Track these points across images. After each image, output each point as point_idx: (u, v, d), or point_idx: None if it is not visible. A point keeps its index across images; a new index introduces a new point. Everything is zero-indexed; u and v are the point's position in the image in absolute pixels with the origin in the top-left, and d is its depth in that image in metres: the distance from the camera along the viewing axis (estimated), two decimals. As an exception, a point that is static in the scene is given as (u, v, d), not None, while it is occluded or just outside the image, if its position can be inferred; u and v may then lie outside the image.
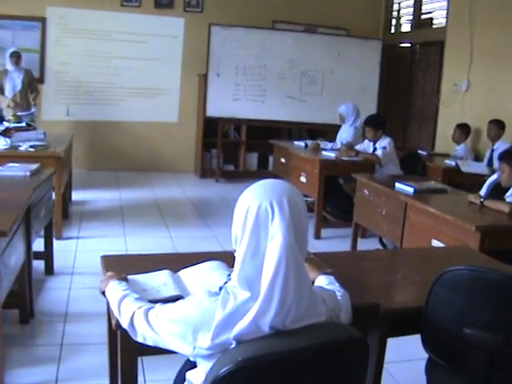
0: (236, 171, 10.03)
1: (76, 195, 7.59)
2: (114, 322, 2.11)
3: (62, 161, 5.89)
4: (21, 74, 8.21)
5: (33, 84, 8.43)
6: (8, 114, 7.87)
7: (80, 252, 5.71)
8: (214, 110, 9.44)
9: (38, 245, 4.71)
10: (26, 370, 3.55)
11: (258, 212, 1.73)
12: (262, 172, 9.69)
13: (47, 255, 5.06)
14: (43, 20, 9.52)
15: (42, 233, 4.92)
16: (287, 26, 10.01)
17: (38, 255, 4.69)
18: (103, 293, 2.27)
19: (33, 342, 3.96)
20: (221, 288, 1.79)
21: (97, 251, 5.69)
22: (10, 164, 4.96)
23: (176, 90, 10.04)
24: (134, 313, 1.96)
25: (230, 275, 1.85)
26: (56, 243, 5.23)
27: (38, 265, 4.84)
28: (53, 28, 9.60)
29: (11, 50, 8.21)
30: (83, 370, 3.59)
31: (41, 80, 9.48)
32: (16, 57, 8.13)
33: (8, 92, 8.17)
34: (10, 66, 8.14)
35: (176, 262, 2.64)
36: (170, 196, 8.40)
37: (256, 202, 1.75)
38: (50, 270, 5.06)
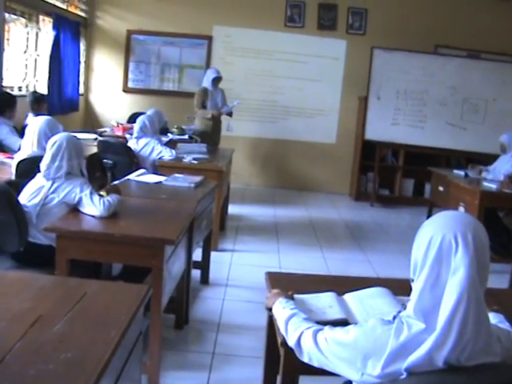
0: (391, 196, 9.86)
1: (232, 209, 7.72)
2: (279, 340, 2.13)
3: (223, 175, 6.06)
4: (219, 94, 8.49)
5: (224, 103, 8.61)
6: (171, 126, 8.19)
7: (234, 265, 5.83)
8: (372, 133, 9.38)
9: (195, 255, 4.84)
10: (178, 374, 3.67)
11: (442, 244, 1.70)
12: (417, 199, 9.56)
13: (204, 265, 5.22)
14: (210, 38, 9.91)
15: (201, 243, 5.06)
16: (450, 50, 9.76)
17: (195, 265, 4.84)
18: (269, 309, 2.29)
19: (186, 348, 4.10)
20: (394, 317, 1.77)
21: (251, 265, 5.87)
22: (176, 174, 5.13)
23: (335, 111, 10.05)
24: (302, 333, 1.97)
25: (404, 304, 1.83)
26: (212, 254, 5.36)
27: (195, 274, 4.96)
28: (218, 46, 9.95)
29: (214, 75, 8.39)
30: (234, 380, 3.66)
31: (205, 95, 9.85)
32: (218, 81, 8.41)
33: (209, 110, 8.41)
34: (209, 86, 8.37)
35: (339, 284, 2.63)
36: (325, 217, 8.38)
37: (439, 233, 1.71)
38: (205, 279, 5.22)
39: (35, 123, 4.59)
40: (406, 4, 9.76)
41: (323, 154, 10.06)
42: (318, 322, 2.06)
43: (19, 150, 5.35)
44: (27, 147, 4.59)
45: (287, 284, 2.56)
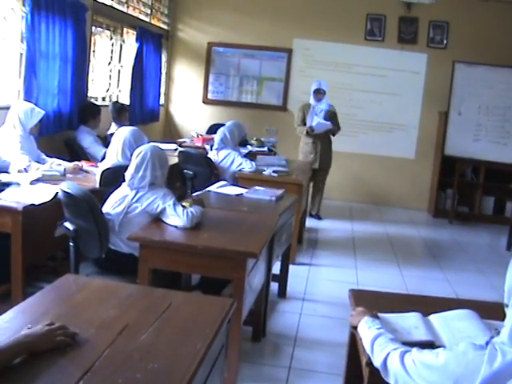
0: (470, 214, 9.61)
1: (310, 222, 7.68)
2: (364, 360, 2.11)
3: (303, 188, 6.05)
4: (324, 109, 8.14)
5: (334, 123, 8.18)
6: (250, 138, 8.22)
7: (311, 279, 5.80)
8: (452, 149, 9.20)
9: (273, 268, 4.83)
10: (254, 387, 3.67)
11: None
12: (497, 218, 9.32)
13: (282, 279, 5.22)
14: (289, 51, 9.95)
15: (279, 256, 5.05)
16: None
17: (273, 278, 4.81)
18: (354, 327, 2.28)
19: (262, 361, 4.10)
20: (487, 342, 1.73)
21: (328, 280, 5.86)
22: (257, 187, 5.17)
23: (414, 126, 9.91)
24: (388, 353, 1.95)
25: (496, 329, 1.78)
26: (289, 268, 5.33)
27: (272, 287, 4.93)
28: (298, 59, 9.99)
29: (314, 87, 8.13)
30: (311, 396, 3.65)
31: (284, 108, 9.89)
32: (319, 93, 8.07)
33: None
34: (312, 101, 8.15)
35: (424, 304, 2.59)
36: (402, 233, 8.27)
37: None
38: (283, 293, 5.22)
39: (121, 133, 4.69)
40: (489, 17, 9.55)
41: (402, 169, 9.93)
42: (403, 343, 2.03)
43: (102, 158, 5.50)
44: (112, 156, 4.69)
45: (371, 302, 2.55)
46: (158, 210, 3.73)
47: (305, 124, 8.14)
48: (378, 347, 2.01)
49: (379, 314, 2.31)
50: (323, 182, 8.40)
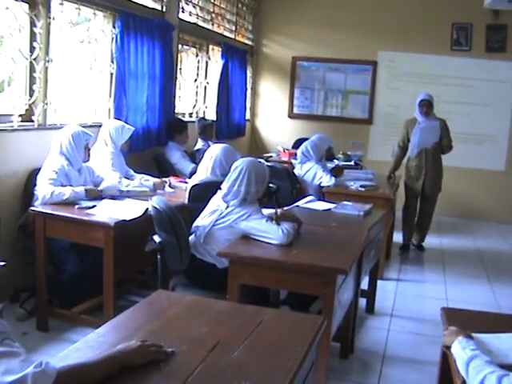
0: None
1: (397, 236, 7.51)
2: (459, 382, 2.06)
3: (391, 202, 5.98)
4: (434, 125, 7.08)
5: (444, 136, 7.13)
6: (336, 152, 8.15)
7: (399, 294, 5.71)
8: (544, 160, 8.94)
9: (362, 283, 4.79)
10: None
11: None
12: None
13: (370, 294, 5.17)
14: (374, 64, 9.91)
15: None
16: None
17: (361, 293, 4.73)
18: (447, 347, 2.23)
19: (350, 378, 4.06)
20: None
21: (417, 296, 5.75)
22: (345, 202, 5.13)
23: (504, 137, 9.62)
24: (484, 376, 1.90)
25: None
26: (378, 283, 5.26)
27: (360, 302, 4.86)
28: (383, 71, 9.92)
29: (420, 98, 7.05)
30: (401, 415, 3.60)
31: (370, 121, 9.82)
32: (425, 106, 6.96)
33: (412, 146, 7.20)
34: (418, 115, 7.09)
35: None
36: (493, 247, 8.01)
37: None
38: (371, 309, 5.17)
39: (213, 150, 4.77)
40: None
41: (491, 182, 9.65)
42: (499, 366, 1.98)
43: (191, 174, 5.60)
44: (202, 172, 4.77)
45: (464, 321, 2.49)
46: (242, 226, 3.73)
47: (407, 141, 7.23)
48: (473, 369, 1.96)
49: (473, 335, 2.26)
50: (431, 210, 7.41)
